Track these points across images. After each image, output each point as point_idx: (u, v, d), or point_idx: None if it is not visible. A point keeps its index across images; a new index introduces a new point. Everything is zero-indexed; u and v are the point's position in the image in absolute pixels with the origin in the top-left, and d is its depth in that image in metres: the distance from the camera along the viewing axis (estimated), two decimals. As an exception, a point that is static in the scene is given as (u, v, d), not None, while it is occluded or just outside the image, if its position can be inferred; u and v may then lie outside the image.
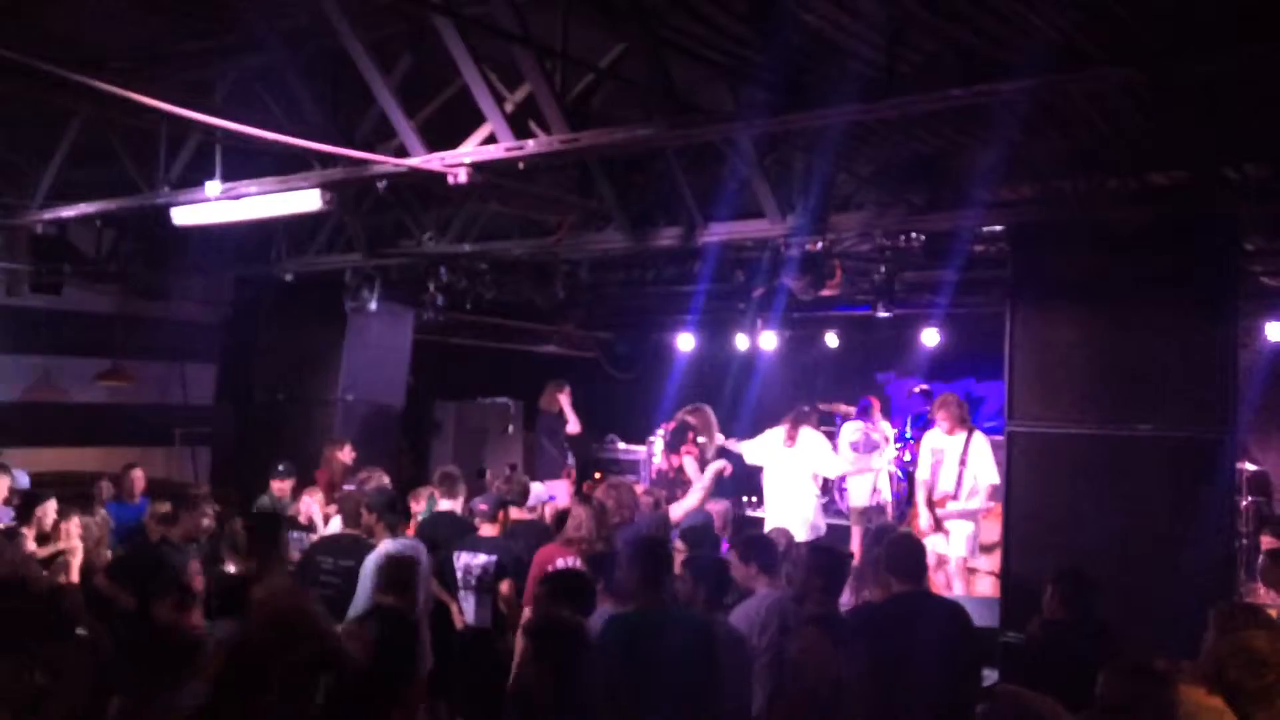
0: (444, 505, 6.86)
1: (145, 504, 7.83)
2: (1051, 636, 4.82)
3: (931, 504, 8.24)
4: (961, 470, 8.17)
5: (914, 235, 7.85)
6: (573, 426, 10.34)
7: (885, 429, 10.61)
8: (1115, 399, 6.36)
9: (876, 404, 10.82)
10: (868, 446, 10.25)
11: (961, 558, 8.10)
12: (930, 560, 8.22)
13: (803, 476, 8.93)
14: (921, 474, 8.53)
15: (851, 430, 10.43)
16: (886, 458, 10.36)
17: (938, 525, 8.18)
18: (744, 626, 4.57)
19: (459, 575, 6.14)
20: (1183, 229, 6.22)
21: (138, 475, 8.20)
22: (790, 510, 8.75)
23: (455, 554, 6.18)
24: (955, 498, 8.18)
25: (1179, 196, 6.35)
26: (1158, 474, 6.21)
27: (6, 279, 8.97)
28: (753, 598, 4.85)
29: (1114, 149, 6.18)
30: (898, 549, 4.84)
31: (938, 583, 8.00)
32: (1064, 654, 4.47)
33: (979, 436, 8.35)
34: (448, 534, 6.42)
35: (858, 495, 10.21)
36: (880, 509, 10.09)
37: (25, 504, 6.63)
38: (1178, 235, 6.22)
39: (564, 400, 10.38)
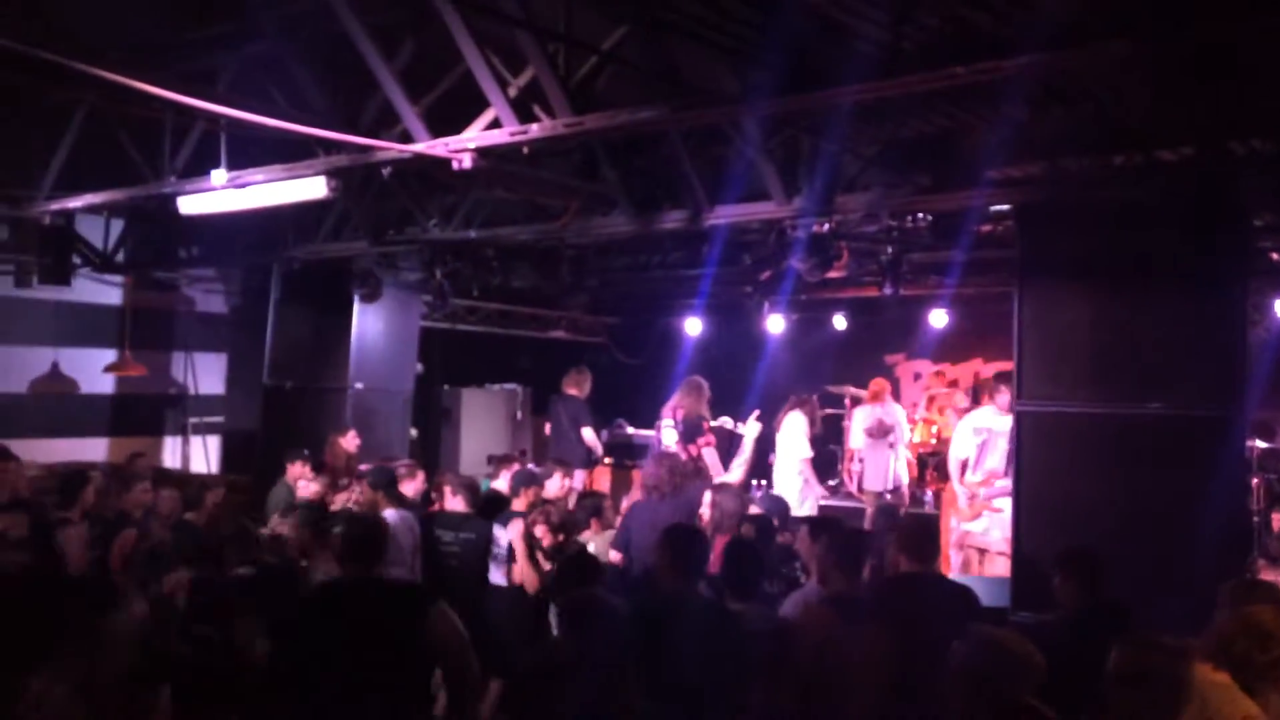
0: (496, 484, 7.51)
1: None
2: (1078, 628, 4.75)
3: (974, 487, 8.35)
4: (1012, 446, 8.25)
5: (921, 216, 7.83)
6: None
7: (897, 411, 10.56)
8: (1124, 377, 6.32)
9: (887, 386, 10.79)
10: (881, 430, 10.21)
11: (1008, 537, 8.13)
12: (968, 554, 8.36)
13: (785, 459, 9.61)
14: (961, 452, 8.61)
15: (864, 414, 10.40)
16: (900, 443, 10.31)
17: (982, 509, 8.27)
18: (791, 610, 4.68)
19: (493, 546, 6.63)
20: (1190, 205, 6.17)
21: (144, 465, 8.24)
22: (778, 491, 9.14)
23: (495, 526, 6.71)
24: (1005, 475, 8.27)
25: (1186, 172, 6.31)
26: (1168, 452, 6.17)
27: (15, 270, 9.01)
28: (809, 583, 4.92)
29: (1120, 125, 6.14)
30: (908, 529, 4.84)
31: (993, 570, 8.13)
32: (1094, 644, 4.42)
33: None
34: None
35: (873, 479, 10.17)
36: (896, 491, 10.05)
37: (67, 485, 6.81)
38: (1186, 212, 6.17)
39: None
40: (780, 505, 6.79)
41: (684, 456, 9.99)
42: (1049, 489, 6.55)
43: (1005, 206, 7.45)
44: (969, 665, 3.32)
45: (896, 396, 12.96)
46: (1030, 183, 6.79)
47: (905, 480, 10.16)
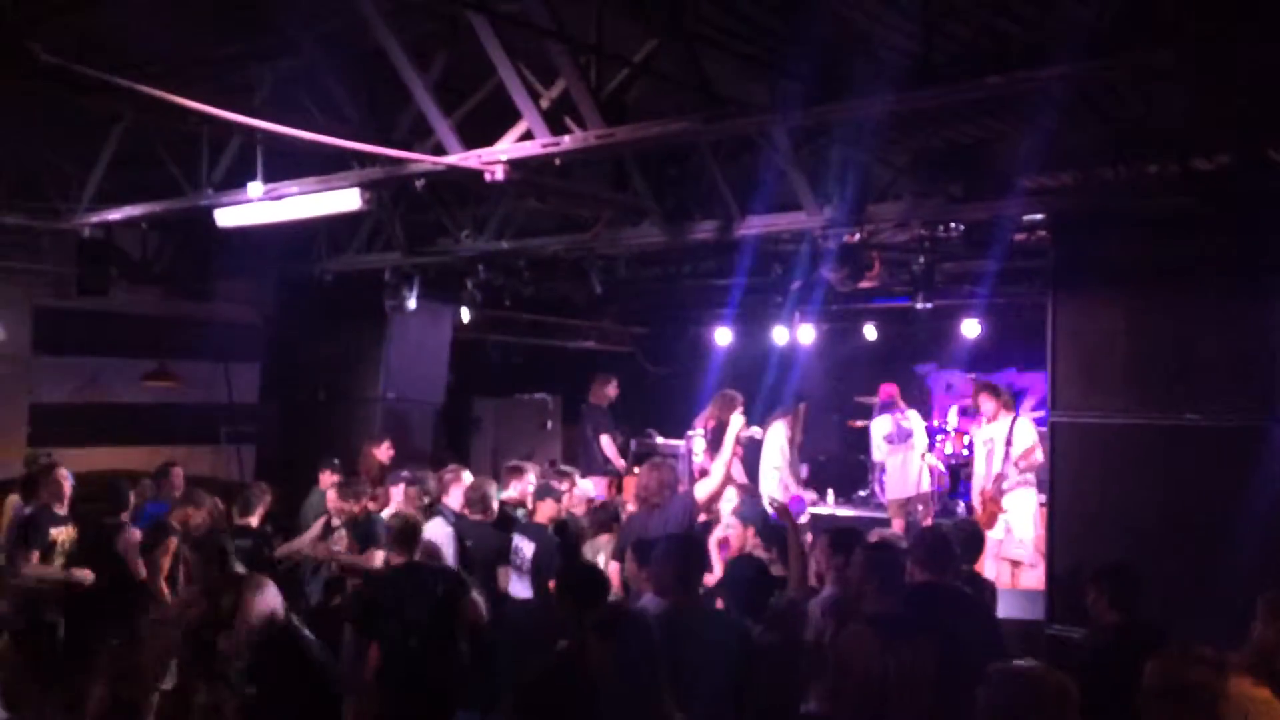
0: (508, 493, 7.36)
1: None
2: (1114, 644, 4.68)
3: (987, 495, 8.38)
4: (1008, 450, 8.44)
5: (953, 225, 7.80)
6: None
7: (914, 419, 10.41)
8: (1160, 387, 6.27)
9: (897, 391, 10.65)
10: (900, 436, 10.13)
11: (1037, 536, 8.11)
12: (1000, 566, 8.36)
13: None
14: (978, 468, 8.70)
15: (882, 423, 10.32)
16: (920, 447, 10.19)
17: (994, 514, 8.28)
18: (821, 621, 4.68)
19: (512, 555, 6.54)
20: (1226, 213, 6.11)
21: (177, 473, 8.31)
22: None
23: (514, 535, 6.64)
24: (1006, 476, 8.44)
25: (1222, 180, 6.24)
26: (1204, 463, 6.11)
27: (54, 281, 9.14)
28: (823, 592, 4.90)
29: (1155, 134, 6.09)
30: (921, 540, 4.83)
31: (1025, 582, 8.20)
32: (1128, 663, 4.36)
33: (1023, 419, 8.74)
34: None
35: (895, 487, 10.11)
36: (921, 499, 9.96)
37: (114, 492, 7.12)
38: (1221, 219, 6.11)
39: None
40: (758, 512, 6.70)
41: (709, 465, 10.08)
42: (1083, 501, 6.50)
43: (1038, 216, 7.41)
44: (997, 704, 3.06)
45: (928, 406, 12.89)
46: (1063, 192, 6.76)
47: (927, 486, 10.06)
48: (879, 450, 10.36)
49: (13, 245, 8.89)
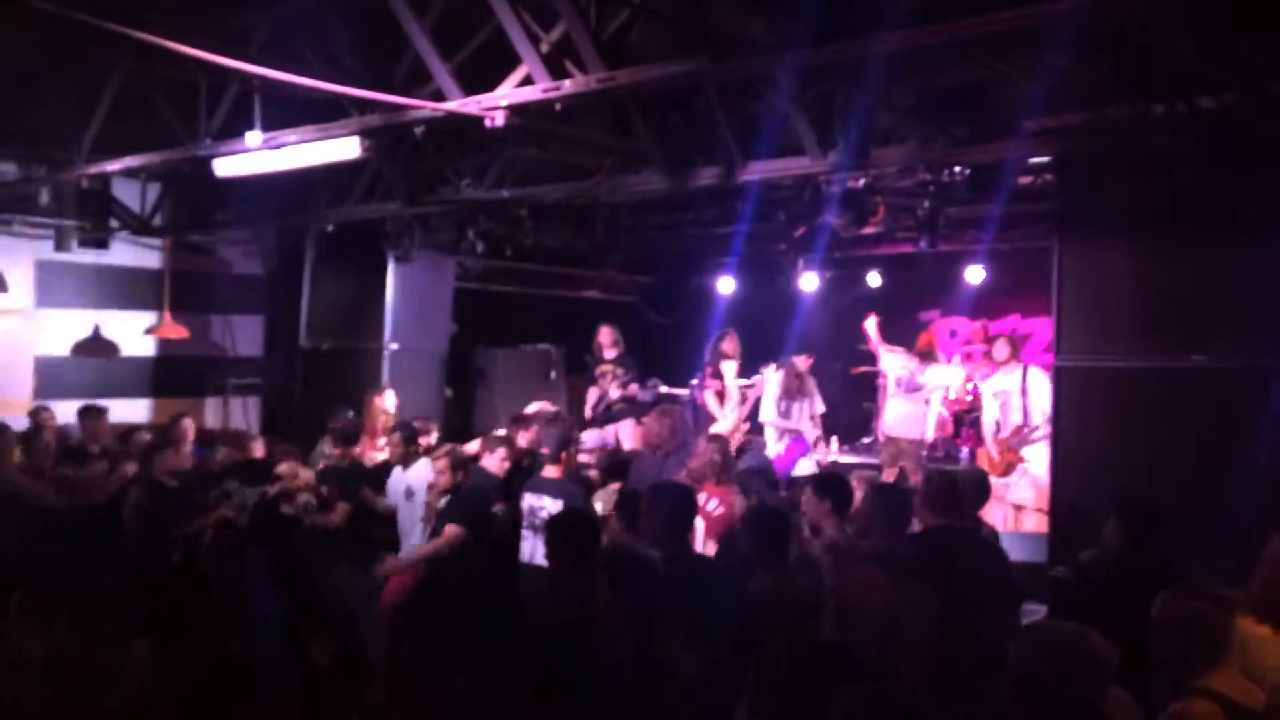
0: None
1: (199, 451, 8.07)
2: (1112, 570, 4.76)
3: (1004, 444, 8.41)
4: (1025, 401, 8.53)
5: (958, 169, 7.73)
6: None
7: (933, 375, 10.24)
8: (1166, 330, 6.25)
9: (929, 342, 10.52)
10: (909, 386, 10.05)
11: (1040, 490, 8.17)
12: (1006, 510, 8.41)
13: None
14: (988, 416, 8.71)
15: (898, 363, 10.18)
16: (934, 396, 10.11)
17: (1011, 463, 8.31)
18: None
19: (524, 516, 6.20)
20: (1233, 153, 6.04)
21: (188, 425, 8.35)
22: None
23: (522, 495, 6.29)
24: (1026, 426, 8.51)
25: (1229, 120, 6.16)
26: (1209, 406, 6.10)
27: (55, 234, 9.11)
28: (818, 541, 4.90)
29: (1162, 73, 6.00)
30: (934, 484, 4.83)
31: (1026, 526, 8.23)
32: (1125, 588, 4.41)
33: (1035, 371, 8.75)
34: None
35: (889, 423, 10.03)
36: (923, 444, 9.91)
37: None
38: (1228, 160, 6.05)
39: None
40: (765, 464, 6.67)
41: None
42: (1087, 444, 6.51)
43: (1044, 159, 7.34)
44: (1029, 669, 2.85)
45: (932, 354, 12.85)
46: (1070, 133, 6.66)
47: (931, 435, 10.03)
48: (888, 386, 10.25)
49: (13, 198, 8.85)
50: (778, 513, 4.91)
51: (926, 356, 10.06)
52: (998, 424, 8.82)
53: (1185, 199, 6.19)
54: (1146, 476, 6.07)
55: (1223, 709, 2.93)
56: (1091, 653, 2.84)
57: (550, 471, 6.35)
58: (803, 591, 4.26)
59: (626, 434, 9.71)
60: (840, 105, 6.73)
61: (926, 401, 9.98)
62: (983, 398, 9.27)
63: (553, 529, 4.58)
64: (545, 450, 6.49)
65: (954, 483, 4.95)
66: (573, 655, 3.48)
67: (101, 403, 8.89)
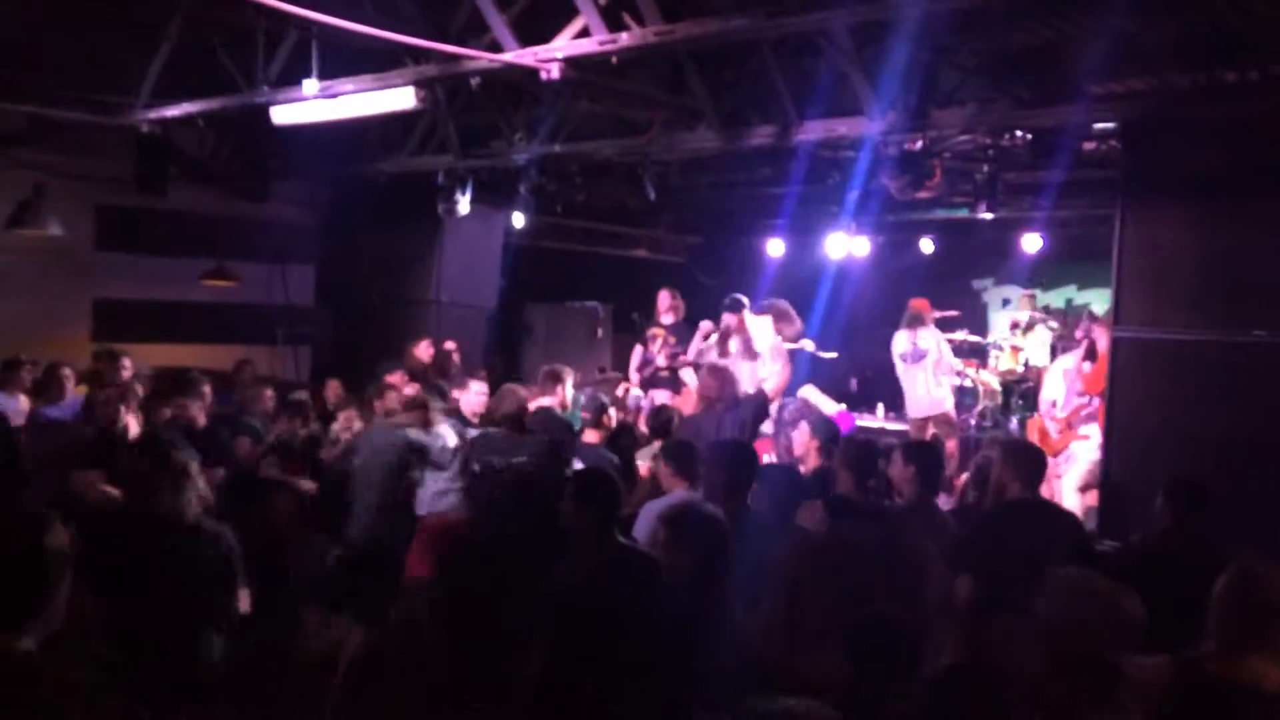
0: (544, 401, 6.93)
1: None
2: (1152, 547, 4.70)
3: (1063, 422, 8.23)
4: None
5: (1019, 134, 7.57)
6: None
7: (928, 336, 9.94)
8: (1228, 303, 6.10)
9: (922, 306, 10.20)
10: (914, 356, 9.80)
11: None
12: (1052, 485, 8.28)
13: None
14: (1050, 393, 8.50)
15: (900, 340, 9.94)
16: (932, 365, 9.82)
17: (1069, 440, 8.18)
18: None
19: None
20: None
21: (249, 370, 8.48)
22: None
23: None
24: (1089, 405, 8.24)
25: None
26: (1270, 382, 5.97)
27: (114, 179, 9.22)
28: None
29: (1234, 38, 5.82)
30: (1022, 452, 4.77)
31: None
32: (1164, 567, 4.36)
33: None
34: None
35: (914, 405, 9.86)
36: (940, 420, 9.65)
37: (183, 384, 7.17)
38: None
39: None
40: (828, 425, 6.52)
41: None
42: (1143, 417, 6.40)
43: (1109, 125, 7.17)
44: (1053, 615, 2.84)
45: (983, 322, 12.69)
46: (1137, 97, 6.50)
47: (949, 407, 9.77)
48: (898, 367, 10.06)
49: (74, 143, 8.97)
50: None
51: (916, 321, 9.81)
52: (1054, 402, 8.58)
53: (1252, 168, 6.01)
54: (1201, 451, 5.96)
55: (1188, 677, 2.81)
56: (1120, 603, 2.81)
57: (590, 436, 6.42)
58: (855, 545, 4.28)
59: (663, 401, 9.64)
60: (900, 64, 6.60)
61: (937, 364, 9.68)
62: (1047, 376, 9.00)
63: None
64: (585, 414, 6.50)
65: (1040, 452, 4.92)
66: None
67: (158, 347, 9.03)
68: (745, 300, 8.06)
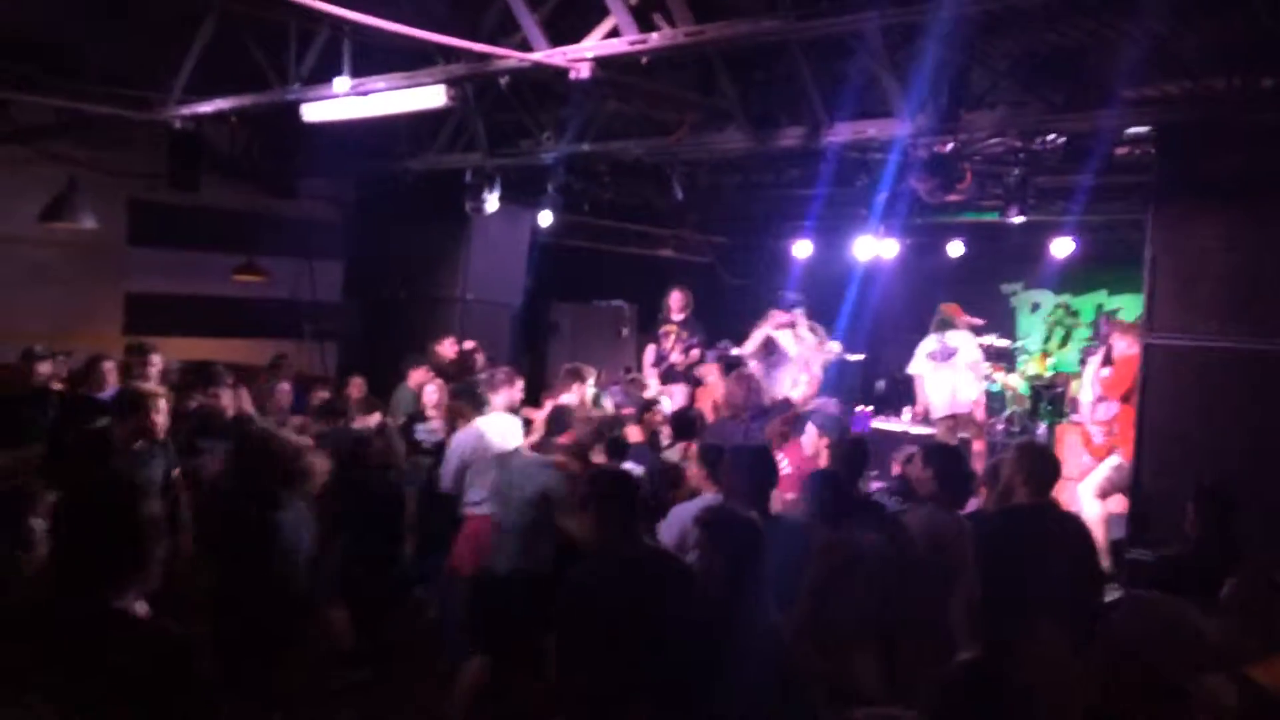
0: (564, 398, 6.90)
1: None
2: (1183, 556, 4.67)
3: (1106, 426, 8.12)
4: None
5: (1050, 137, 7.50)
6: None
7: (959, 338, 9.87)
8: (1263, 311, 6.02)
9: (953, 310, 10.13)
10: (944, 354, 9.73)
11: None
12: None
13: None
14: (1088, 396, 8.37)
15: (929, 340, 9.87)
16: (963, 365, 9.74)
17: (1111, 447, 8.07)
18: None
19: None
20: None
21: (289, 365, 8.59)
22: None
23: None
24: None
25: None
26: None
27: (147, 174, 9.31)
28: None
29: (1269, 42, 5.74)
30: (1036, 456, 4.74)
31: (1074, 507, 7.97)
32: (1193, 575, 4.32)
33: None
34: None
35: (937, 404, 9.79)
36: (966, 420, 9.58)
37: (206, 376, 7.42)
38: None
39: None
40: (835, 422, 6.50)
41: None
42: (1175, 424, 6.33)
43: (1142, 129, 7.09)
44: (1120, 634, 2.75)
45: (1012, 327, 12.58)
46: (1171, 102, 6.43)
47: (972, 406, 9.67)
48: (918, 364, 9.85)
49: (107, 138, 9.05)
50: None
51: (946, 325, 9.73)
52: (1093, 405, 8.42)
53: (1290, 175, 5.94)
54: (1234, 459, 5.89)
55: (1245, 693, 2.78)
56: (1186, 626, 2.70)
57: (634, 434, 6.48)
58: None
59: (680, 398, 9.64)
60: (931, 66, 6.56)
61: (968, 364, 9.61)
62: (1084, 378, 8.84)
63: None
64: (629, 410, 6.51)
65: (1056, 463, 4.88)
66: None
67: (188, 341, 9.12)
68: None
